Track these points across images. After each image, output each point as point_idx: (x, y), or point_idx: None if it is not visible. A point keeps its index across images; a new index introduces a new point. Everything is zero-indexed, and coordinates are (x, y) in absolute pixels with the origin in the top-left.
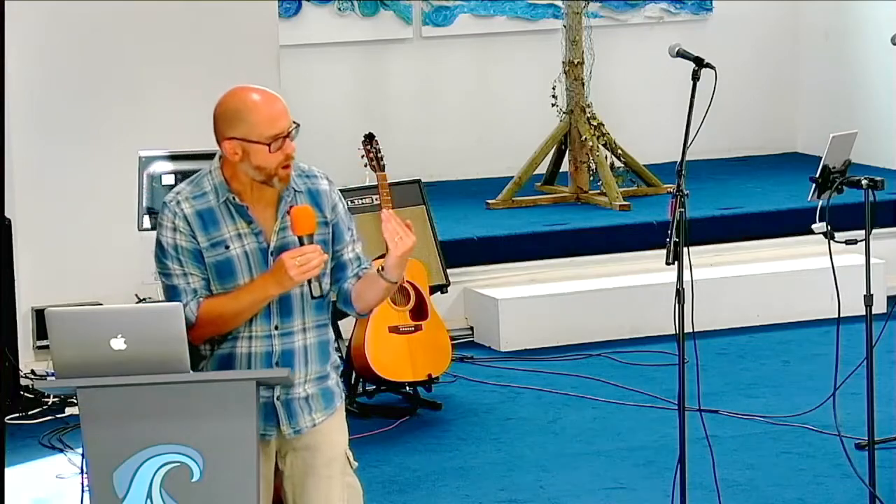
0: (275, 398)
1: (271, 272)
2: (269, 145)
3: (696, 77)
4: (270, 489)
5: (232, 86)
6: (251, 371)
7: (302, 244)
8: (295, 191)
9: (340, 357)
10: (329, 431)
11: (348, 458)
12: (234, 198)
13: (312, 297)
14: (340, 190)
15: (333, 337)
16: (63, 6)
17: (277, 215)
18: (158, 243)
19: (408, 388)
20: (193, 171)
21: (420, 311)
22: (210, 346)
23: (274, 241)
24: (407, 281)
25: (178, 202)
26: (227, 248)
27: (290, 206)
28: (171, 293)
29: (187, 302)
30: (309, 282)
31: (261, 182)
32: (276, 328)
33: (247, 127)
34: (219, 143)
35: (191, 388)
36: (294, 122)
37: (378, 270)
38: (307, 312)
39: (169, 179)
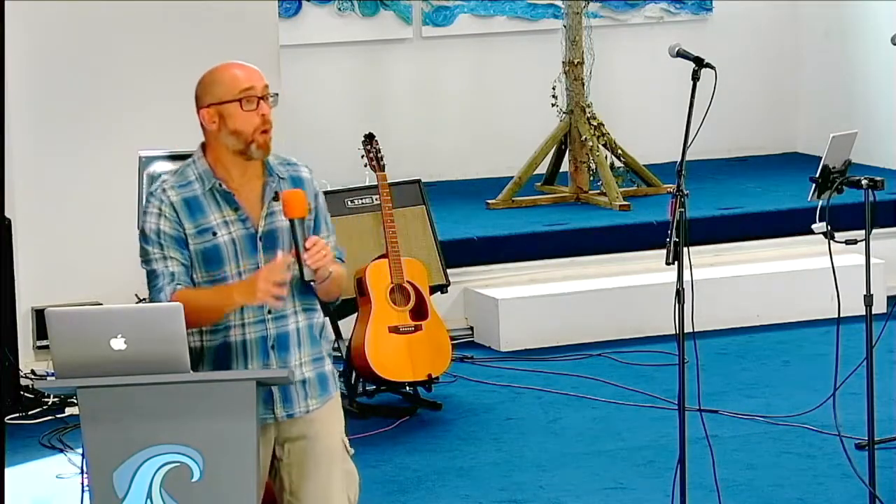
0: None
1: (245, 282)
2: (240, 101)
3: (696, 77)
4: (265, 476)
5: None
6: (251, 371)
7: (293, 227)
8: (279, 178)
9: (335, 348)
10: (326, 421)
11: (345, 445)
12: (220, 184)
13: (303, 280)
14: (340, 190)
15: (323, 322)
16: (63, 6)
17: (263, 201)
18: (142, 231)
19: (408, 388)
20: None
21: (420, 311)
22: (199, 337)
23: (262, 226)
24: (407, 281)
25: (164, 190)
26: (214, 234)
27: (279, 191)
28: (150, 277)
29: (163, 285)
30: (301, 269)
31: (240, 152)
32: (270, 312)
33: (219, 89)
34: (200, 120)
35: (191, 388)
36: (273, 92)
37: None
38: (296, 296)
39: None
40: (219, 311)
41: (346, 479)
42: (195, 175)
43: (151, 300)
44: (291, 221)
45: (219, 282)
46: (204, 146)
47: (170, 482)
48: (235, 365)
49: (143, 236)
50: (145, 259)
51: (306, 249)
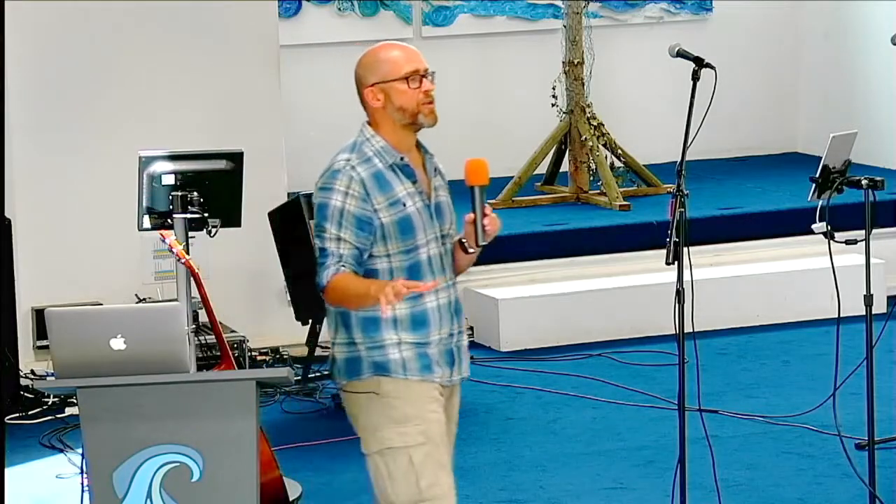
0: (453, 344)
1: (381, 282)
2: (406, 80)
3: (696, 77)
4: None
5: (232, 86)
6: (251, 371)
7: (474, 194)
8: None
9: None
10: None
11: None
12: (402, 158)
13: (478, 245)
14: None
15: None
16: (63, 6)
17: (428, 176)
18: (322, 206)
19: None
20: (193, 171)
21: None
22: (394, 306)
23: (433, 198)
24: None
25: (353, 167)
26: (404, 205)
27: (466, 160)
28: (320, 254)
29: (328, 264)
30: (478, 234)
31: (408, 124)
32: (448, 279)
33: (385, 68)
34: (362, 98)
35: (191, 388)
36: (431, 70)
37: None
38: (449, 269)
39: (169, 179)
40: (363, 299)
41: None
42: (372, 151)
43: (318, 275)
44: (472, 188)
45: (412, 250)
46: (370, 124)
47: (170, 482)
48: (432, 328)
49: (323, 211)
50: (319, 235)
51: (485, 215)
